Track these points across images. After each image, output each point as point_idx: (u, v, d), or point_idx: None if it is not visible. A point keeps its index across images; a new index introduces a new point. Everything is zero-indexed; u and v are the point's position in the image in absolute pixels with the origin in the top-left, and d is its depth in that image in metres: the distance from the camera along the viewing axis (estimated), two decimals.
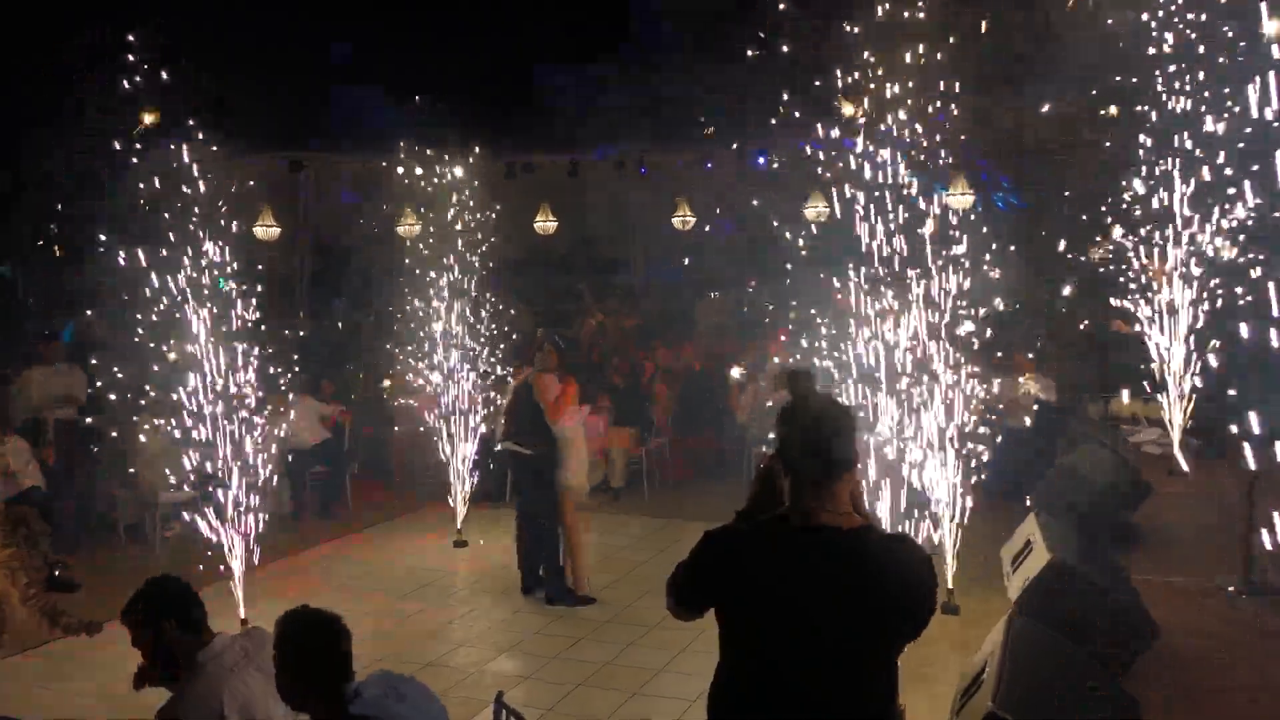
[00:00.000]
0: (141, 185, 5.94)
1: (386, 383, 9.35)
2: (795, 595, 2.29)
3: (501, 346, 8.66)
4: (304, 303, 13.95)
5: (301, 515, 9.07)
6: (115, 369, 7.14)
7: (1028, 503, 6.52)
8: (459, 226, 8.30)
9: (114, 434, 8.25)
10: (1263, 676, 4.59)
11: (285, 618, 2.78)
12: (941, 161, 5.88)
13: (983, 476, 6.12)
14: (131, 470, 8.06)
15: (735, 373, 9.37)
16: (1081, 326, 9.73)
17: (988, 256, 6.22)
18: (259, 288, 6.33)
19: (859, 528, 2.35)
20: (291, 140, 13.35)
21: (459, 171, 8.47)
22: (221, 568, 5.94)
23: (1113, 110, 8.27)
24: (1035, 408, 8.69)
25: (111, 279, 6.16)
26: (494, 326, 8.52)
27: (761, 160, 15.20)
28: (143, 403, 7.23)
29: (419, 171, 8.48)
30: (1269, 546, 4.04)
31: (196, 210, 5.93)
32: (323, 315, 13.89)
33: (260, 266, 6.44)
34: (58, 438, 8.07)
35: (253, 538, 6.04)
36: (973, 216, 6.38)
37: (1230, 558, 5.92)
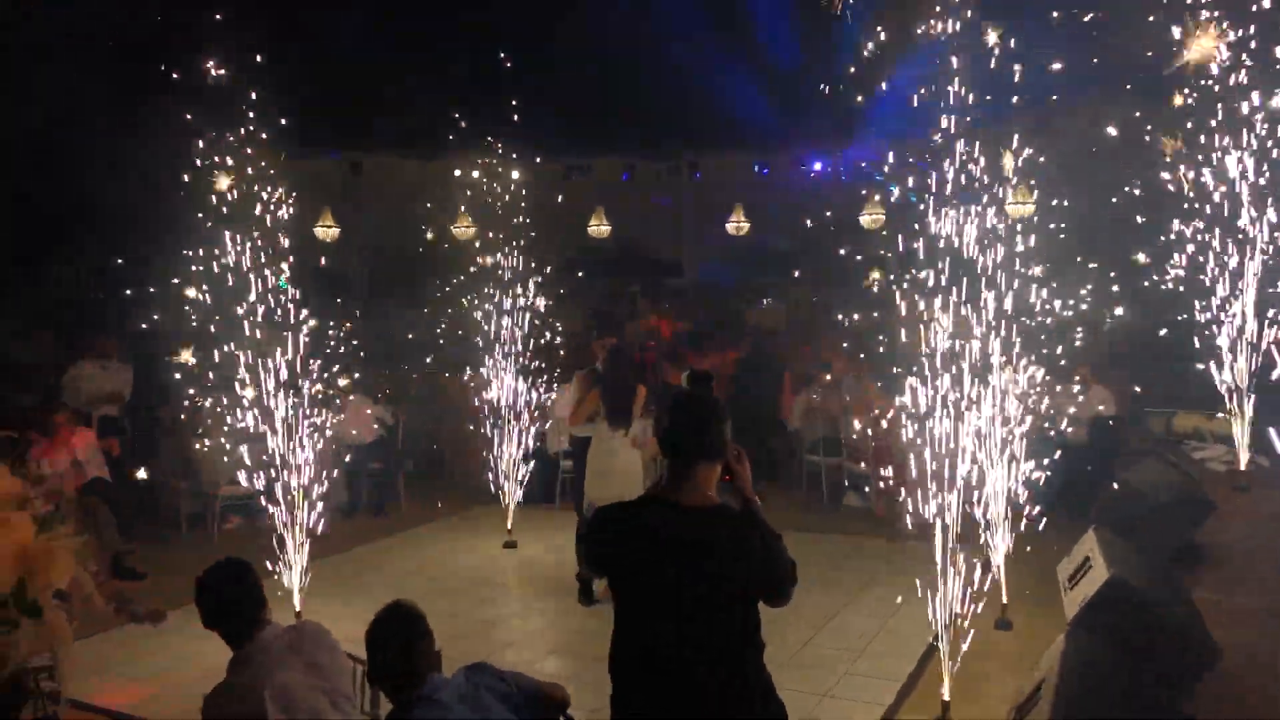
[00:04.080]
0: (210, 186, 6.08)
1: (465, 381, 9.29)
2: (647, 562, 2.66)
3: (549, 348, 8.70)
4: (360, 303, 14.15)
5: (354, 513, 9.22)
6: (184, 361, 7.27)
7: (1090, 517, 6.36)
8: (514, 228, 8.37)
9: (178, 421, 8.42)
10: None
11: (381, 611, 3.04)
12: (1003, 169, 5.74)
13: (1040, 490, 6.01)
14: (200, 452, 8.17)
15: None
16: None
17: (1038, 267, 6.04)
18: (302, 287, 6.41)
19: (705, 506, 2.67)
20: (350, 142, 13.57)
21: (516, 174, 8.55)
22: (273, 564, 6.04)
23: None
24: (1094, 420, 8.50)
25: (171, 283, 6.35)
26: (545, 328, 8.56)
27: (818, 167, 15.10)
28: (208, 401, 7.37)
29: (475, 174, 8.58)
30: None
31: (258, 210, 6.06)
32: (378, 316, 14.06)
33: (323, 263, 6.51)
34: (99, 434, 8.02)
35: (317, 531, 6.14)
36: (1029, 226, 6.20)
37: None
